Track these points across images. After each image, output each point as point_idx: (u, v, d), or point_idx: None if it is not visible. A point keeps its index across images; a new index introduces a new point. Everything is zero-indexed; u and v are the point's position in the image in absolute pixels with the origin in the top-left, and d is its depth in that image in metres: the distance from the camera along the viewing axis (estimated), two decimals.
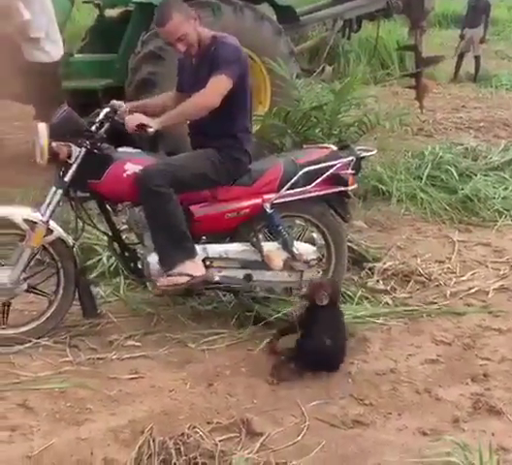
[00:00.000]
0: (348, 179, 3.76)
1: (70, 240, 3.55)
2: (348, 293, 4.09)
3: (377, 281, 4.31)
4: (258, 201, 3.64)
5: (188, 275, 3.49)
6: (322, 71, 7.25)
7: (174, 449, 2.56)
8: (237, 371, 3.36)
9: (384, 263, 4.49)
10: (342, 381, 3.28)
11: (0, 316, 3.56)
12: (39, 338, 3.52)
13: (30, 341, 3.49)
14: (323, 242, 3.87)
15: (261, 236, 3.74)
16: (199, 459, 2.56)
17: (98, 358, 3.45)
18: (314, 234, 3.87)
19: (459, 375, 3.37)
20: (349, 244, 4.52)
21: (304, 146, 4.07)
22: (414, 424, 2.97)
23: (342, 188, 3.76)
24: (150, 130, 3.41)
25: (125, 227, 3.75)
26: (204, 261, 3.59)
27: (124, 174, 3.47)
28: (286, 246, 3.69)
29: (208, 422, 2.89)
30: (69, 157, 3.42)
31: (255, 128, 6.17)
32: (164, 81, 5.98)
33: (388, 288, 4.23)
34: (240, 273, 3.67)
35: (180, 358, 3.46)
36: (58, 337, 3.57)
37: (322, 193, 3.73)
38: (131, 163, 3.49)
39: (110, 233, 3.72)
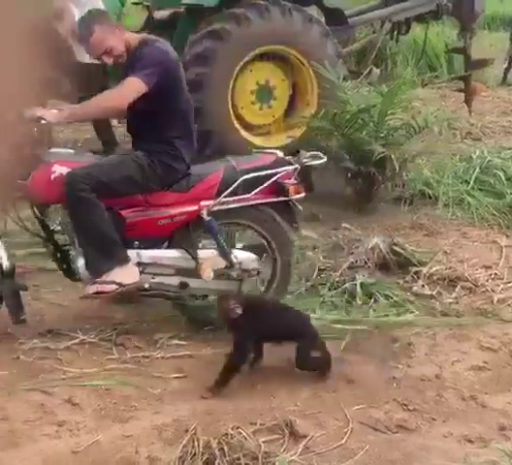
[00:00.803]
0: (289, 189, 3.61)
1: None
2: (393, 297, 4.06)
3: (423, 286, 4.26)
4: (194, 207, 3.54)
5: (117, 283, 3.40)
6: (369, 73, 7.20)
7: (217, 450, 2.57)
8: (280, 372, 3.35)
9: (430, 268, 4.43)
10: (387, 385, 3.26)
11: None
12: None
13: (77, 338, 3.55)
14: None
15: (200, 244, 3.65)
16: (242, 460, 2.56)
17: (143, 357, 3.48)
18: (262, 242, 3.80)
19: (505, 382, 3.32)
20: (394, 248, 4.52)
21: (254, 150, 3.95)
22: (459, 431, 2.94)
23: (283, 198, 3.63)
24: (43, 122, 3.34)
25: (58, 228, 3.69)
26: (137, 266, 3.52)
27: (51, 176, 3.42)
28: (224, 254, 3.61)
29: (252, 423, 2.90)
30: None
31: (300, 130, 6.22)
32: (211, 83, 6.04)
33: (434, 293, 4.19)
34: (175, 280, 3.58)
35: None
36: (104, 335, 3.62)
37: (261, 201, 3.63)
38: (58, 164, 3.44)
39: (42, 234, 3.65)
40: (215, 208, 3.55)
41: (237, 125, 6.25)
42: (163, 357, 3.47)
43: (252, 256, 3.69)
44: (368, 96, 6.21)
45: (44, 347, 3.48)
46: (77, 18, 5.33)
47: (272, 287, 3.82)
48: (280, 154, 3.75)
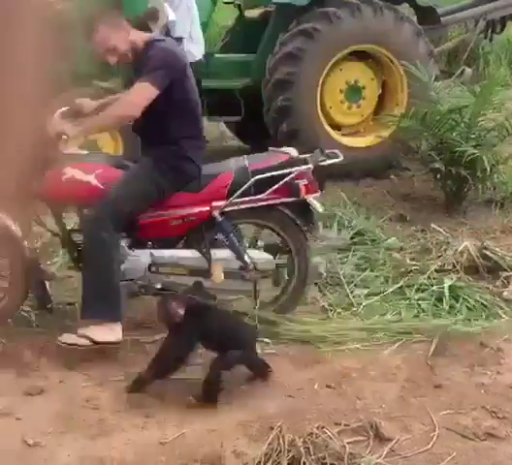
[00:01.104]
0: (302, 189, 3.55)
1: (18, 233, 3.54)
2: (482, 301, 3.97)
3: None
4: (206, 208, 3.53)
5: (91, 340, 3.31)
6: (461, 73, 7.05)
7: (303, 448, 2.57)
8: (364, 374, 3.33)
9: None
10: (475, 392, 3.19)
11: None
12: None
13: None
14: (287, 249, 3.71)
15: (218, 244, 3.61)
16: (327, 460, 2.55)
17: None
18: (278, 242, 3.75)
19: None
20: (484, 251, 4.41)
21: (270, 149, 3.87)
22: None
23: (295, 198, 3.56)
24: (64, 137, 3.34)
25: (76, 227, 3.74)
26: (150, 266, 3.53)
27: (62, 178, 3.45)
28: (238, 255, 3.57)
29: (336, 424, 2.89)
30: None
31: (389, 130, 6.15)
32: (301, 81, 6.05)
33: None
34: (189, 280, 3.51)
35: (309, 358, 3.47)
36: None
37: (274, 202, 3.58)
38: (70, 167, 3.47)
39: (59, 233, 3.68)
40: (227, 209, 3.53)
41: (324, 124, 6.23)
42: None
43: (267, 256, 3.66)
44: (460, 96, 6.09)
45: (133, 340, 3.54)
46: (170, 18, 5.46)
47: (289, 287, 3.78)
48: (295, 153, 3.68)
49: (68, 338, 3.34)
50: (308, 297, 4.05)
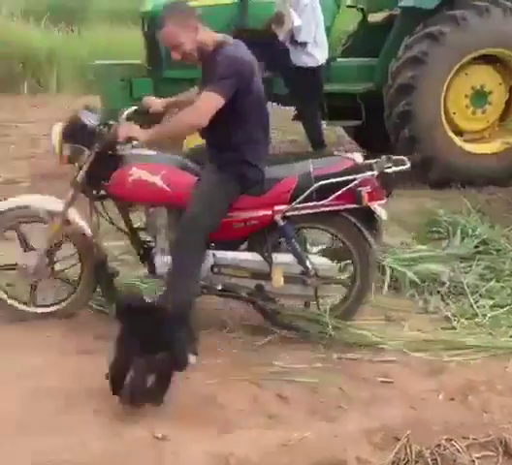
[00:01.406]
0: (363, 196, 3.47)
1: (89, 233, 3.66)
2: None
3: None
4: (268, 212, 3.51)
5: None
6: None
7: (430, 460, 2.53)
8: (491, 387, 3.23)
9: None
10: None
11: (28, 295, 3.80)
12: None
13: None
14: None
15: (280, 248, 3.62)
16: None
17: (349, 359, 3.49)
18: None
19: None
20: None
21: (335, 153, 3.75)
22: None
23: (358, 205, 3.49)
24: (135, 143, 3.41)
25: (141, 224, 3.78)
26: (212, 267, 3.56)
27: (129, 178, 3.50)
28: (299, 260, 3.55)
29: (464, 437, 2.81)
30: (73, 161, 3.55)
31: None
32: (424, 86, 5.96)
33: None
34: (251, 283, 3.58)
35: (432, 368, 3.40)
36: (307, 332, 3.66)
37: (336, 208, 3.53)
38: (136, 167, 3.51)
39: (127, 231, 3.74)
40: (289, 213, 3.51)
41: (447, 130, 6.11)
42: (369, 361, 3.47)
43: (329, 263, 3.63)
44: None
45: (244, 341, 3.60)
46: (295, 23, 5.50)
47: (351, 293, 3.73)
48: (360, 159, 3.60)
49: None
50: (431, 306, 3.98)
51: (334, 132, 7.62)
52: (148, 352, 3.03)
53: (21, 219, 3.73)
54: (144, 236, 3.75)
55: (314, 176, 3.50)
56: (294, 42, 5.64)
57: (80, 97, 9.84)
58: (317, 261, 3.61)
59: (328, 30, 6.12)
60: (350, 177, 3.48)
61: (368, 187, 3.49)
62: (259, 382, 3.26)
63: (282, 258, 3.58)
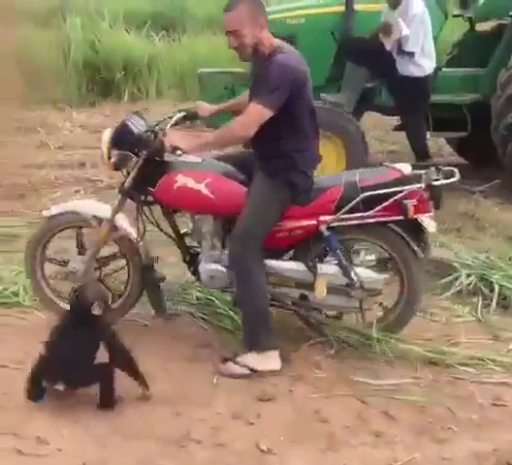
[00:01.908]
0: (409, 209, 3.37)
1: (135, 238, 3.65)
2: None
3: None
4: (313, 222, 3.46)
5: (250, 369, 3.35)
6: None
7: None
8: None
9: None
10: None
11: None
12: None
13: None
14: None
15: (326, 258, 3.57)
16: None
17: (456, 378, 3.39)
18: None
19: None
20: None
21: (383, 164, 3.64)
22: None
23: (403, 217, 3.40)
24: (178, 153, 3.36)
25: (188, 230, 3.74)
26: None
27: (174, 185, 3.50)
28: (344, 271, 3.48)
29: None
30: (120, 167, 3.56)
31: None
32: None
33: None
34: (296, 292, 3.55)
35: None
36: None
37: (381, 220, 3.45)
38: (182, 175, 3.50)
39: (173, 237, 3.72)
40: (334, 224, 3.45)
41: None
42: (477, 382, 3.35)
43: (375, 275, 3.56)
44: None
45: (346, 355, 3.55)
46: (403, 33, 5.42)
47: (397, 308, 3.64)
48: (408, 170, 3.49)
49: (227, 370, 3.39)
50: None
51: (436, 142, 7.46)
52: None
53: (72, 224, 3.78)
54: (190, 242, 3.75)
55: (360, 187, 3.45)
56: (401, 51, 5.56)
57: (179, 104, 9.99)
58: (363, 273, 3.55)
59: (434, 40, 5.99)
60: (397, 189, 3.42)
61: (415, 200, 3.41)
62: (365, 399, 3.20)
63: (327, 268, 3.54)
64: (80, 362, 3.05)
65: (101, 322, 3.15)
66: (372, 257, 3.73)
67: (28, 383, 3.08)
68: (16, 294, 4.03)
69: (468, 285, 4.24)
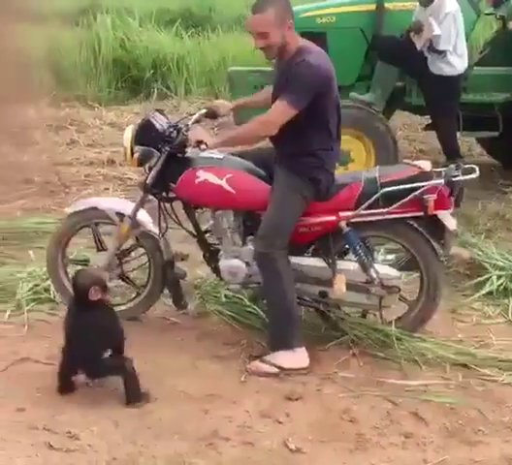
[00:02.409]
0: (429, 204, 3.36)
1: (157, 234, 3.68)
2: None
3: None
4: (333, 218, 3.47)
5: (278, 367, 3.35)
6: None
7: None
8: None
9: None
10: None
11: None
12: None
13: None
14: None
15: (346, 255, 3.59)
16: None
17: (485, 380, 3.36)
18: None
19: None
20: None
21: (403, 161, 3.66)
22: None
23: (423, 213, 3.40)
24: (203, 147, 3.38)
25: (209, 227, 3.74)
26: None
27: (196, 181, 3.51)
28: (363, 268, 3.48)
29: None
30: (143, 163, 3.58)
31: None
32: None
33: None
34: (315, 289, 3.55)
35: None
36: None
37: (401, 216, 3.45)
38: (203, 170, 3.52)
39: (194, 233, 3.72)
40: (354, 220, 3.45)
41: None
42: (509, 385, 3.31)
43: (395, 272, 3.55)
44: None
45: (375, 355, 3.53)
46: (435, 32, 5.37)
47: (417, 306, 3.63)
48: (428, 167, 3.48)
49: (255, 368, 3.39)
50: None
51: (465, 142, 7.39)
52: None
53: (94, 220, 3.80)
54: (210, 239, 3.77)
55: (380, 183, 3.46)
56: (432, 50, 5.50)
57: (207, 102, 10.00)
58: (383, 270, 3.55)
59: (466, 38, 5.93)
60: (417, 184, 3.41)
61: (435, 195, 3.40)
62: (394, 399, 3.18)
63: (346, 265, 3.55)
64: (92, 350, 3.08)
65: (101, 306, 3.13)
66: (392, 256, 3.74)
67: (58, 377, 3.13)
68: (48, 291, 4.07)
69: (499, 286, 4.19)
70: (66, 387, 3.13)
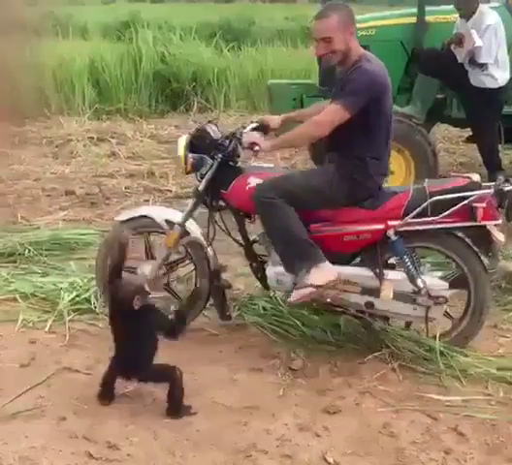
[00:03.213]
0: (479, 213, 3.34)
1: (205, 243, 3.70)
2: None
3: None
4: (381, 226, 3.46)
5: (311, 285, 3.40)
6: None
7: None
8: None
9: None
10: None
11: None
12: None
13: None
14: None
15: (394, 265, 3.57)
16: None
17: None
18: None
19: None
20: None
21: (452, 174, 3.60)
22: None
23: (472, 223, 3.39)
24: (256, 148, 3.45)
25: (256, 238, 3.74)
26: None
27: (246, 187, 3.57)
28: (411, 277, 3.46)
29: None
30: (198, 169, 3.63)
31: None
32: None
33: None
34: (362, 299, 3.52)
35: None
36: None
37: (450, 226, 3.43)
38: (254, 176, 3.58)
39: (242, 243, 3.73)
40: (402, 229, 3.43)
41: None
42: None
43: (442, 283, 3.52)
44: None
45: (414, 369, 3.50)
46: (476, 44, 5.34)
47: (464, 319, 3.60)
48: (477, 178, 3.46)
49: (295, 296, 3.45)
50: None
51: (506, 155, 7.31)
52: None
53: (143, 229, 3.83)
54: (258, 250, 3.77)
55: (429, 192, 3.45)
56: (473, 62, 5.48)
57: (246, 115, 10.08)
58: (430, 280, 3.52)
59: (508, 50, 5.89)
60: (466, 194, 3.40)
61: (484, 204, 3.39)
62: (434, 414, 3.14)
63: (394, 275, 3.54)
64: (144, 355, 3.12)
65: (146, 310, 3.13)
66: (439, 273, 3.70)
67: (101, 384, 3.17)
68: (89, 301, 4.12)
69: None
70: (107, 394, 3.16)
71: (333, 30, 3.36)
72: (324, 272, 3.43)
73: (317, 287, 3.41)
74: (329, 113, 3.40)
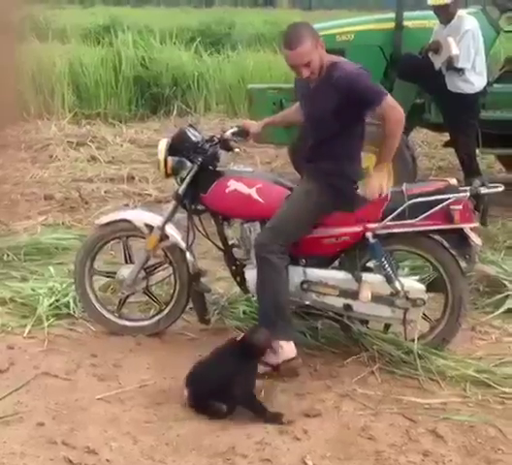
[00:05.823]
0: (456, 216, 3.41)
1: (184, 247, 3.70)
2: None
3: None
4: (359, 229, 3.49)
5: (271, 366, 3.42)
6: None
7: None
8: None
9: None
10: None
11: (117, 306, 3.88)
12: None
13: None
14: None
15: (371, 268, 3.59)
16: None
17: (505, 398, 3.32)
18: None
19: None
20: None
21: (431, 178, 3.68)
22: None
23: (449, 225, 3.45)
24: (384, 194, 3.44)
25: (236, 241, 3.74)
26: (302, 283, 3.54)
27: (226, 190, 3.58)
28: (389, 280, 3.49)
29: None
30: (178, 172, 3.66)
31: None
32: None
33: None
34: (340, 302, 3.56)
35: None
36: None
37: (428, 228, 3.48)
38: (234, 180, 3.60)
39: (221, 247, 3.74)
40: (380, 231, 3.47)
41: None
42: None
43: (419, 285, 3.56)
44: None
45: (393, 373, 3.51)
46: (453, 52, 5.39)
47: (441, 323, 3.64)
48: (453, 181, 3.52)
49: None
50: None
51: (482, 159, 7.38)
52: None
53: (122, 232, 3.83)
54: (237, 254, 3.77)
55: (407, 195, 3.49)
56: (451, 67, 5.53)
57: (226, 119, 10.09)
58: (408, 283, 3.56)
59: (486, 56, 5.94)
60: (443, 196, 3.45)
61: (461, 206, 3.44)
62: (412, 416, 3.16)
63: (372, 277, 3.56)
64: (251, 390, 3.18)
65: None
66: (416, 277, 3.75)
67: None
68: (67, 306, 4.10)
69: None
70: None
71: (309, 54, 3.37)
72: (283, 350, 3.42)
73: (275, 368, 3.42)
74: (392, 102, 3.39)
